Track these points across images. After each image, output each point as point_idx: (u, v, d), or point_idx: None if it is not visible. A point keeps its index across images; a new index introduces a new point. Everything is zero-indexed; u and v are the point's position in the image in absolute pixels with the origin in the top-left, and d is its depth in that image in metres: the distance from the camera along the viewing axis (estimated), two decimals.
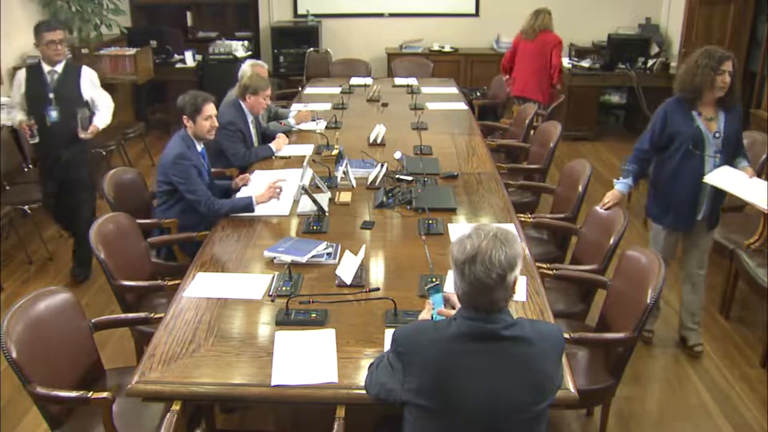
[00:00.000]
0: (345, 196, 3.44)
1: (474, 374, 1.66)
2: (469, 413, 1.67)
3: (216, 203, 3.24)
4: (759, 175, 4.11)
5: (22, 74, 3.98)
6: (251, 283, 2.60)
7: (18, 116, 3.99)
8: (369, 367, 1.90)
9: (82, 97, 3.97)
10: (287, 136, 4.38)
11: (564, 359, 1.88)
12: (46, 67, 3.88)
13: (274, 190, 3.27)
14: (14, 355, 2.09)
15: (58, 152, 3.98)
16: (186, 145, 3.33)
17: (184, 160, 3.26)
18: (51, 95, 3.87)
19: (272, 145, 4.20)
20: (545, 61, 5.80)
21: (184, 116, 3.31)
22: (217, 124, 3.43)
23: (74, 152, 4.01)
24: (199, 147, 3.42)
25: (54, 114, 3.88)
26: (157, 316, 2.54)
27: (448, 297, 2.05)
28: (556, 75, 5.84)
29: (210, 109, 3.35)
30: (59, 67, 3.89)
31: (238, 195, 3.49)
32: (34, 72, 3.92)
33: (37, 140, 3.89)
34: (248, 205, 3.23)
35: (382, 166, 3.63)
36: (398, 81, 6.32)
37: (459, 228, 3.08)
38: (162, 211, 3.45)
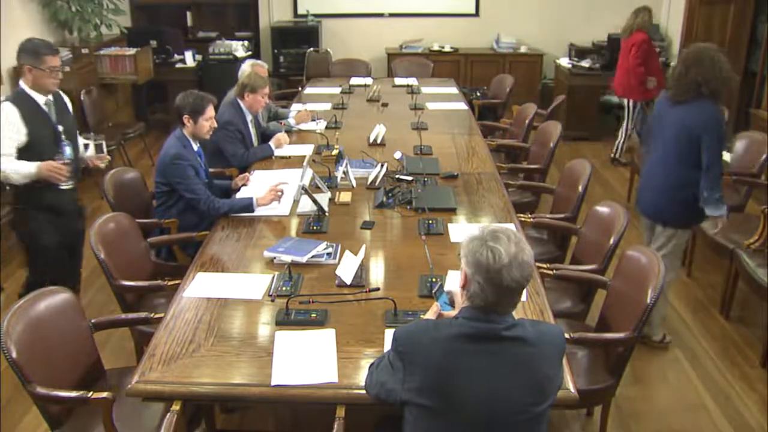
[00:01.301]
0: (345, 196, 3.44)
1: (474, 374, 1.66)
2: (469, 413, 1.67)
3: (216, 202, 3.25)
4: (759, 176, 4.16)
5: (13, 113, 3.08)
6: (251, 283, 2.60)
7: (25, 167, 3.10)
8: (369, 368, 1.90)
9: (75, 124, 3.49)
10: (287, 136, 4.38)
11: (564, 359, 1.88)
12: (39, 98, 3.19)
13: (276, 193, 3.27)
14: (14, 355, 2.09)
15: (75, 196, 3.45)
16: (182, 144, 3.34)
17: (181, 161, 3.27)
18: (60, 128, 3.25)
19: (272, 143, 4.20)
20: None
21: (185, 115, 3.32)
22: (215, 124, 3.46)
23: (76, 192, 3.49)
24: (196, 146, 3.43)
25: (68, 150, 3.26)
26: (157, 316, 2.54)
27: (451, 293, 2.05)
28: (633, 76, 5.86)
29: (211, 110, 3.39)
30: (50, 95, 3.26)
31: (238, 195, 3.49)
32: (29, 106, 3.16)
33: (71, 184, 3.28)
34: (248, 206, 3.23)
35: (382, 166, 3.63)
36: (398, 81, 6.32)
37: (459, 228, 3.08)
38: (161, 212, 3.45)
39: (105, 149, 3.55)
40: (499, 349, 1.68)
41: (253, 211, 3.23)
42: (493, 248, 1.66)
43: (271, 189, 3.28)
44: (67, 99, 3.47)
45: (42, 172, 3.11)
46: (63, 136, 3.26)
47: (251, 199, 3.24)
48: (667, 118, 3.22)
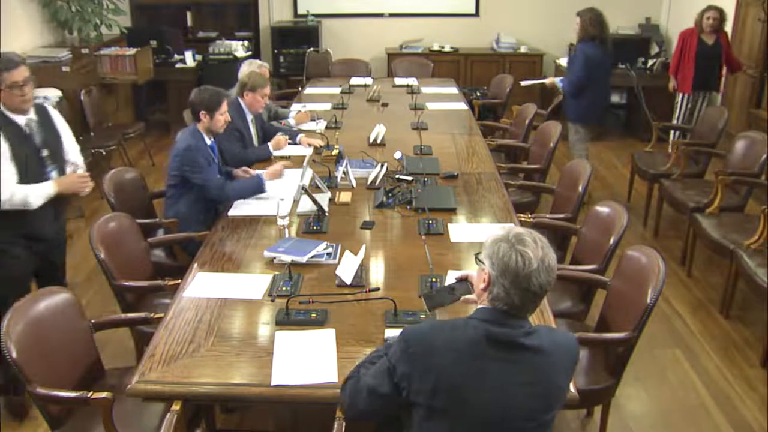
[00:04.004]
0: (345, 196, 3.44)
1: (487, 378, 1.64)
2: (478, 417, 1.65)
3: (226, 185, 3.37)
4: (758, 176, 4.16)
5: None
6: (251, 283, 2.60)
7: (43, 188, 2.80)
8: (346, 380, 1.83)
9: (63, 145, 3.01)
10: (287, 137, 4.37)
11: None
12: (19, 119, 2.78)
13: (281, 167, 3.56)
14: (14, 355, 2.09)
15: (45, 229, 2.94)
16: (195, 139, 3.38)
17: (191, 151, 3.32)
18: (45, 153, 2.86)
19: (270, 144, 4.20)
20: None
21: (202, 111, 3.37)
22: (229, 118, 3.53)
23: (60, 224, 3.11)
24: (209, 141, 3.47)
25: (55, 176, 2.90)
26: (157, 316, 2.54)
27: (471, 282, 1.96)
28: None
29: (225, 105, 3.47)
30: (32, 114, 2.85)
31: None
32: (10, 128, 2.75)
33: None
34: (258, 185, 3.38)
35: (382, 166, 3.63)
36: (398, 81, 6.31)
37: (459, 228, 3.08)
38: (170, 205, 3.49)
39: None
40: (515, 356, 1.66)
41: (264, 190, 3.36)
42: (522, 252, 1.64)
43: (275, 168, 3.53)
44: (56, 115, 3.03)
45: (63, 188, 2.87)
46: (47, 161, 2.88)
47: (258, 176, 3.37)
48: (606, 62, 5.00)
